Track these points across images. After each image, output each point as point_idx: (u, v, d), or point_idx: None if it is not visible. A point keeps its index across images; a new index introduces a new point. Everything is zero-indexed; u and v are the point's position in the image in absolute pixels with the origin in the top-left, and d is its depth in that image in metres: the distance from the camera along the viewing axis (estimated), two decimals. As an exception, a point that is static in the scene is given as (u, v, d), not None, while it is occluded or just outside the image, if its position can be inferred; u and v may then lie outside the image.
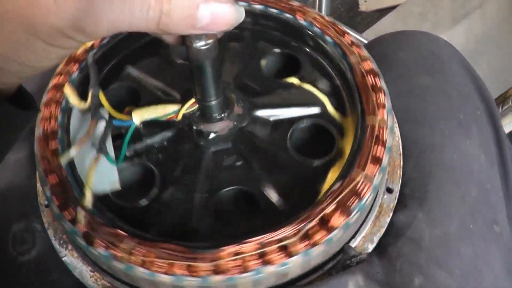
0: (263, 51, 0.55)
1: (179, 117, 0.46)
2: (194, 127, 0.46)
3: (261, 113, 0.49)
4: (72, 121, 0.46)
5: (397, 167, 0.50)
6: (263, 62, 0.54)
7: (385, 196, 0.48)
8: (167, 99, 0.51)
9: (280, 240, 0.38)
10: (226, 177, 0.45)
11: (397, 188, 0.49)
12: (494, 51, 1.17)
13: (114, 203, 0.44)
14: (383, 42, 0.64)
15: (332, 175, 0.44)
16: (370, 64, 0.48)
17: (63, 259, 0.46)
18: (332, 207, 0.39)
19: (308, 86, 0.51)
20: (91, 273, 0.45)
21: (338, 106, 0.50)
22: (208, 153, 0.47)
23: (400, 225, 0.47)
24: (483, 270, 0.46)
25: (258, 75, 0.53)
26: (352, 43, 0.50)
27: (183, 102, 0.45)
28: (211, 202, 0.44)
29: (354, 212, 0.39)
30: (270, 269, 0.37)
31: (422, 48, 0.61)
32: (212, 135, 0.46)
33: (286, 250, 0.37)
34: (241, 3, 0.52)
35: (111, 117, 0.44)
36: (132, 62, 0.54)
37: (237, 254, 0.37)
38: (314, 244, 0.37)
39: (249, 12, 0.53)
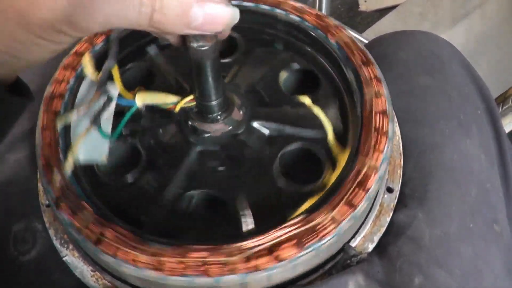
0: (285, 62, 0.54)
1: (177, 109, 0.46)
2: (190, 123, 0.47)
3: (259, 124, 0.48)
4: (81, 89, 0.47)
5: (397, 166, 0.50)
6: (283, 75, 0.53)
7: (385, 196, 0.48)
8: (176, 89, 0.51)
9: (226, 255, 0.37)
10: (204, 179, 0.46)
11: (397, 188, 0.49)
12: (494, 51, 1.17)
13: (95, 177, 0.45)
14: (383, 42, 0.64)
15: (306, 205, 0.42)
16: (383, 104, 0.45)
17: (64, 259, 0.46)
18: (288, 241, 0.37)
19: (317, 110, 0.49)
20: (92, 273, 0.45)
21: (341, 138, 0.47)
22: (195, 150, 0.47)
23: (400, 224, 0.47)
24: (483, 270, 0.46)
25: (273, 86, 0.52)
26: (375, 77, 0.47)
27: (186, 95, 0.46)
28: (182, 199, 0.44)
29: (308, 250, 0.37)
30: (207, 280, 0.36)
31: (422, 48, 0.61)
32: (204, 135, 0.46)
33: (225, 266, 0.37)
34: (278, 10, 0.52)
35: (120, 94, 0.45)
36: (155, 44, 0.55)
37: (180, 257, 0.37)
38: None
39: (284, 21, 0.53)
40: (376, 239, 0.46)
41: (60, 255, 0.46)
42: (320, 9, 1.18)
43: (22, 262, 0.47)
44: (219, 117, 0.46)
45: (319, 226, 0.38)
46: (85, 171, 0.44)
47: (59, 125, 0.44)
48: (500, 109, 0.88)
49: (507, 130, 0.87)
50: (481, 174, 0.52)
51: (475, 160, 0.52)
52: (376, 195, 0.46)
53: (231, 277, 0.36)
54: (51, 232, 0.47)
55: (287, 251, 0.37)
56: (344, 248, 0.43)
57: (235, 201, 0.43)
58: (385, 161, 0.42)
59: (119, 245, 0.38)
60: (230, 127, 0.47)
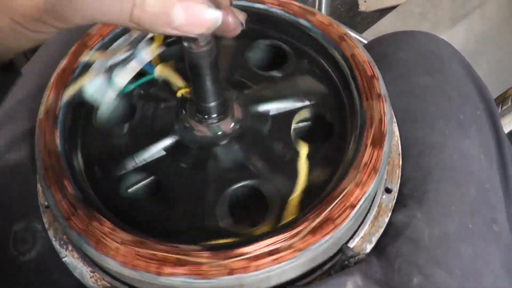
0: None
1: (178, 94, 0.46)
2: (184, 112, 0.46)
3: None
4: (118, 41, 0.49)
5: (396, 166, 0.50)
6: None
7: (384, 196, 0.48)
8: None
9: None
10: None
11: (396, 188, 0.49)
12: (494, 51, 1.16)
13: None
14: (383, 42, 0.64)
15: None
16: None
17: (63, 259, 0.46)
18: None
19: (304, 162, 0.47)
20: (91, 274, 0.45)
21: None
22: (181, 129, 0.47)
23: (399, 225, 0.47)
24: (482, 270, 0.46)
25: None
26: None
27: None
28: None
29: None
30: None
31: (422, 48, 0.61)
32: (194, 133, 0.46)
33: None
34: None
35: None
36: None
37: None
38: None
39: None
40: (374, 239, 0.46)
41: (60, 255, 0.46)
42: (320, 9, 1.18)
43: (22, 262, 0.47)
44: (215, 120, 0.45)
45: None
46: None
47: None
48: (500, 109, 0.88)
49: (506, 130, 0.87)
50: (480, 174, 0.51)
51: (474, 160, 0.52)
52: (375, 196, 0.46)
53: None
54: (51, 232, 0.47)
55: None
56: (342, 249, 0.43)
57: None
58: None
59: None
60: (224, 131, 0.45)
